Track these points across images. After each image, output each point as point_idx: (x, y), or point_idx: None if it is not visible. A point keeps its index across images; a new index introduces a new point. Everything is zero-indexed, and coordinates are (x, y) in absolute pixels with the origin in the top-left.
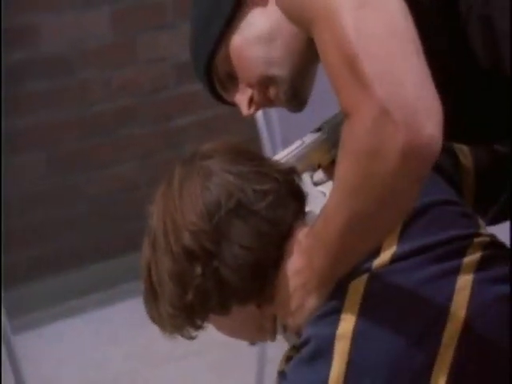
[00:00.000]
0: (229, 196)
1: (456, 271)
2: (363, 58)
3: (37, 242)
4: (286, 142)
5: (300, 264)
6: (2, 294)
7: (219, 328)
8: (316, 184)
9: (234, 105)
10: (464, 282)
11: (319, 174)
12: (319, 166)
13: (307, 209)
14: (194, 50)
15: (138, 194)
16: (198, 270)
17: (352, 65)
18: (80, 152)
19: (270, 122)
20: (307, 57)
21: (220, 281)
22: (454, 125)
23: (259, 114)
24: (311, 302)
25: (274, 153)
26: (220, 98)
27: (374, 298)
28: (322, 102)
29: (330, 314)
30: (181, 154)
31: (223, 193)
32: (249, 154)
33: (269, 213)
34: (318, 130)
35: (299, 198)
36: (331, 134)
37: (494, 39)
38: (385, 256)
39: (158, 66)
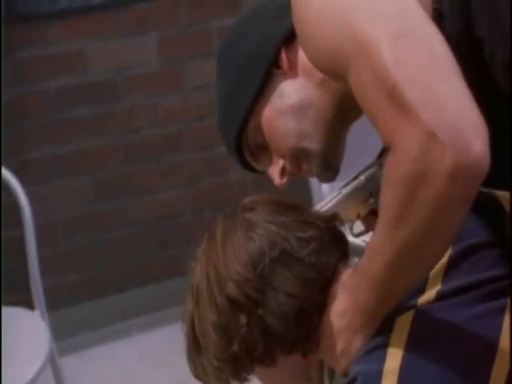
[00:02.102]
0: (272, 245)
1: (502, 310)
2: (403, 85)
3: (82, 265)
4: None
5: (344, 305)
6: (48, 317)
7: (265, 382)
8: (356, 236)
9: (264, 173)
10: (509, 321)
11: (359, 226)
12: (358, 216)
13: (350, 256)
14: (223, 121)
15: (182, 219)
16: (243, 319)
17: (393, 94)
18: (126, 177)
19: None
20: (338, 126)
21: (265, 329)
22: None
23: None
24: (356, 343)
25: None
26: (249, 167)
27: (421, 334)
28: (365, 143)
29: (376, 350)
30: (226, 181)
31: (267, 242)
32: (289, 205)
33: (313, 259)
34: (355, 179)
35: (342, 243)
36: (368, 183)
37: None
38: (430, 294)
39: (203, 93)
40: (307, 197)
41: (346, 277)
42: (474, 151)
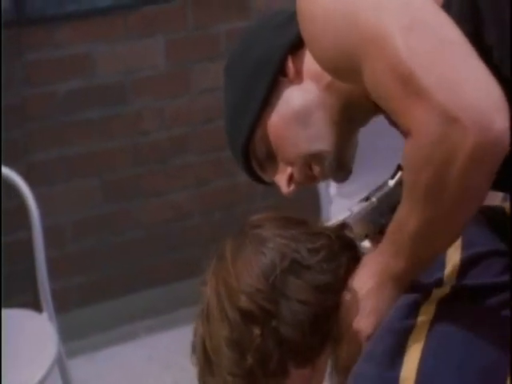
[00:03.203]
0: (283, 257)
1: None
2: (419, 72)
3: (90, 267)
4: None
5: (374, 268)
6: (56, 319)
7: None
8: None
9: (271, 184)
10: (510, 326)
11: (366, 244)
12: (366, 236)
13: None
14: (230, 130)
15: (190, 221)
16: (257, 331)
17: (409, 82)
18: (133, 180)
19: None
20: (347, 127)
21: (279, 340)
22: None
23: None
24: (387, 301)
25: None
26: (256, 177)
27: (438, 341)
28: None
29: (392, 356)
30: (234, 183)
31: (277, 255)
32: (297, 220)
33: (324, 266)
34: (366, 199)
35: (352, 248)
36: (379, 204)
37: None
38: (445, 289)
39: (211, 96)
40: (315, 201)
41: (368, 257)
42: (496, 128)
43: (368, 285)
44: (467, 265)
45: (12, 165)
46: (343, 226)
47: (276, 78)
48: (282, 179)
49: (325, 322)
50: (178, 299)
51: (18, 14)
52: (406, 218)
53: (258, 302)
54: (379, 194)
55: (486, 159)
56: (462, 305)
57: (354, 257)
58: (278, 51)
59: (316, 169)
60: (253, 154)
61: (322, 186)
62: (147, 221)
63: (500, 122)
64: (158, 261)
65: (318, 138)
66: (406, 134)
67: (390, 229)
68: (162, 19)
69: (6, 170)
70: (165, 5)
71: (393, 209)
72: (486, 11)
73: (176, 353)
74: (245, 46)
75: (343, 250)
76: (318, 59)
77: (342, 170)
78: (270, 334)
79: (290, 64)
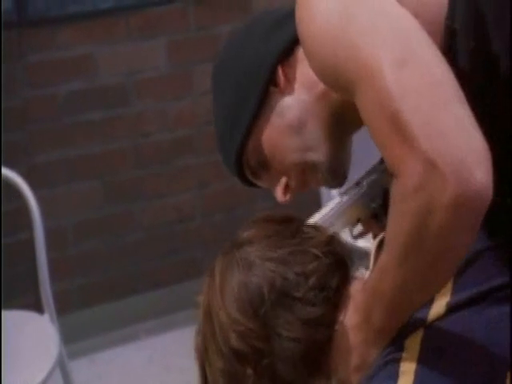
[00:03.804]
0: (271, 286)
1: None
2: (406, 112)
3: (91, 269)
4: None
5: (357, 320)
6: (57, 321)
7: None
8: (355, 237)
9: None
10: (510, 325)
11: (358, 228)
12: (359, 221)
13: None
14: (222, 143)
15: (192, 224)
16: (250, 370)
17: (395, 121)
18: (135, 182)
19: None
20: (340, 135)
21: (272, 376)
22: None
23: None
24: (371, 358)
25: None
26: (251, 184)
27: (433, 349)
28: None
29: (387, 371)
30: (235, 185)
31: (265, 284)
32: (287, 231)
33: (313, 295)
34: (357, 184)
35: (342, 267)
36: (369, 189)
37: None
38: (439, 307)
39: None
40: (316, 201)
41: (355, 292)
42: (476, 181)
43: (355, 338)
44: (463, 267)
45: (13, 166)
46: (331, 238)
47: (266, 89)
48: (277, 188)
49: (316, 355)
50: (179, 301)
51: (19, 16)
52: (387, 270)
53: (249, 342)
54: (369, 178)
55: (464, 212)
56: (456, 318)
57: (345, 276)
58: (267, 61)
59: (310, 177)
60: (246, 165)
61: None
62: (149, 223)
63: (480, 174)
64: (160, 263)
65: (312, 148)
66: (392, 174)
67: (371, 280)
68: (163, 20)
69: (7, 172)
70: (167, 6)
71: (383, 193)
72: (489, 20)
73: (176, 355)
74: (233, 52)
75: (333, 271)
76: (315, 72)
77: (336, 178)
78: (263, 371)
79: (281, 74)
